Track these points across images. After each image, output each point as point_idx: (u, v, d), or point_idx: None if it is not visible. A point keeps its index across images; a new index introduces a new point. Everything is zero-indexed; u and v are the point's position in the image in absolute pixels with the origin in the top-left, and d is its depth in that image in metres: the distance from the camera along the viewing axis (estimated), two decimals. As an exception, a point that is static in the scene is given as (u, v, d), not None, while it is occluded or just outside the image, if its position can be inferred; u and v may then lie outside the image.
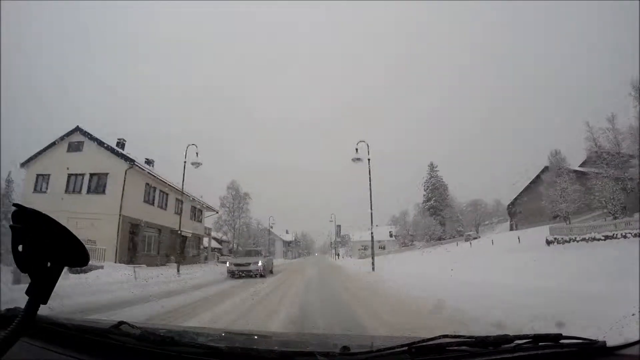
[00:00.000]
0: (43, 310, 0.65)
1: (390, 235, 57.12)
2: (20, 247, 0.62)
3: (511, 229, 39.85)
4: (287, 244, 69.38)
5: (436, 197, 48.88)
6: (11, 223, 0.61)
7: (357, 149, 17.58)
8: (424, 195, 50.50)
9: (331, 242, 73.56)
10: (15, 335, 0.58)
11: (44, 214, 0.62)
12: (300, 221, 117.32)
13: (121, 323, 0.99)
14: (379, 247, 55.39)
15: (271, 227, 40.92)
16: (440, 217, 47.33)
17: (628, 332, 1.90)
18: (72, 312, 4.21)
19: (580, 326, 2.54)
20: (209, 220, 34.24)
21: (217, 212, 33.89)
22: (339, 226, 48.93)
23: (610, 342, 0.89)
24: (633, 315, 2.11)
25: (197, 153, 15.87)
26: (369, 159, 17.87)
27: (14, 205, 0.61)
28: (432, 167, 50.39)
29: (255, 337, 1.64)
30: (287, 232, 68.29)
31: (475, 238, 37.92)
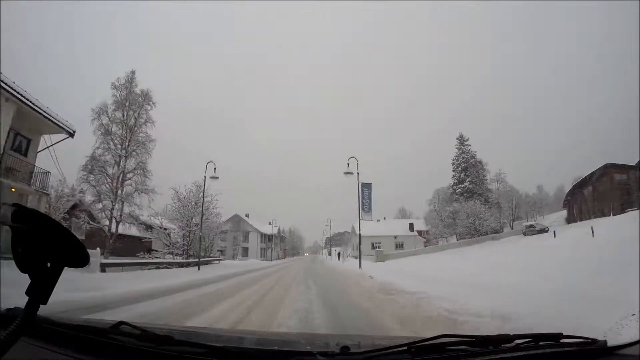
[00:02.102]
0: (43, 310, 0.65)
1: (411, 229, 44.43)
2: (20, 247, 0.62)
3: (569, 222, 30.50)
4: (267, 238, 52.09)
5: (472, 178, 36.32)
6: (11, 223, 0.61)
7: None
8: (453, 177, 38.16)
9: (328, 238, 54.12)
10: (15, 335, 0.59)
11: (44, 214, 0.62)
12: (289, 216, 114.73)
13: (121, 323, 0.99)
14: (396, 246, 40.56)
15: (212, 178, 19.61)
16: (483, 203, 33.38)
17: (628, 332, 1.90)
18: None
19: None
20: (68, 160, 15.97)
21: (72, 135, 13.99)
22: (367, 186, 21.30)
23: (611, 342, 0.89)
24: (633, 315, 2.11)
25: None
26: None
27: (14, 205, 0.61)
28: (461, 140, 38.25)
29: (255, 337, 1.64)
30: (270, 224, 49.82)
31: (541, 231, 26.79)
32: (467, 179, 36.39)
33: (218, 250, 29.62)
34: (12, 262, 0.64)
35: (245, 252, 47.18)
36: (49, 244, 0.62)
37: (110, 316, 4.97)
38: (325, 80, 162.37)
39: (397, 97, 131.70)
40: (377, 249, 34.17)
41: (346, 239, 67.36)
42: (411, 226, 45.53)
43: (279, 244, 62.31)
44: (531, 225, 29.75)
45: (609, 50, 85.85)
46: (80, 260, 0.65)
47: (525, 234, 27.94)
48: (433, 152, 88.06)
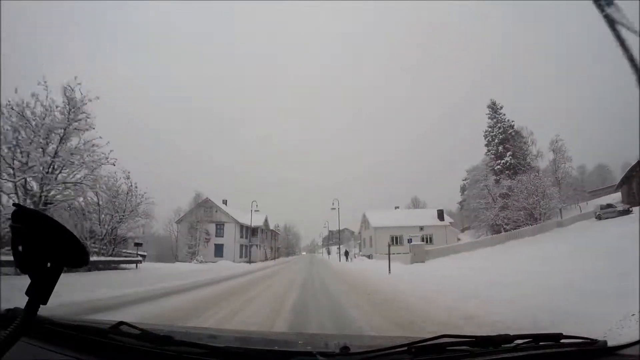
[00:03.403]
0: (43, 310, 0.65)
1: (441, 218, 35.30)
2: (20, 247, 0.62)
3: (630, 206, 22.43)
4: (249, 231, 37.56)
5: (513, 151, 30.03)
6: (11, 223, 0.61)
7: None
8: (487, 151, 31.10)
9: (332, 232, 46.91)
10: (15, 335, 0.59)
11: (44, 214, 0.62)
12: (287, 216, 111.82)
13: (121, 323, 0.99)
14: (422, 239, 28.87)
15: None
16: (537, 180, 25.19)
17: (628, 332, 1.90)
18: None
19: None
20: None
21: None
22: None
23: (611, 342, 0.89)
24: (633, 315, 2.11)
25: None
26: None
27: (14, 205, 0.61)
28: (494, 108, 31.99)
29: (255, 337, 1.64)
30: (253, 211, 32.53)
31: (624, 212, 20.78)
32: (508, 153, 29.74)
33: (136, 244, 18.22)
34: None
35: (220, 251, 34.58)
36: (49, 244, 0.61)
37: (112, 316, 4.95)
38: (325, 80, 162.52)
39: (398, 97, 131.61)
40: (413, 244, 22.33)
41: (346, 236, 65.70)
42: (440, 214, 36.02)
43: (268, 240, 47.02)
44: (609, 205, 22.74)
45: (609, 50, 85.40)
46: (80, 260, 0.65)
47: (599, 218, 21.64)
48: (438, 148, 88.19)
